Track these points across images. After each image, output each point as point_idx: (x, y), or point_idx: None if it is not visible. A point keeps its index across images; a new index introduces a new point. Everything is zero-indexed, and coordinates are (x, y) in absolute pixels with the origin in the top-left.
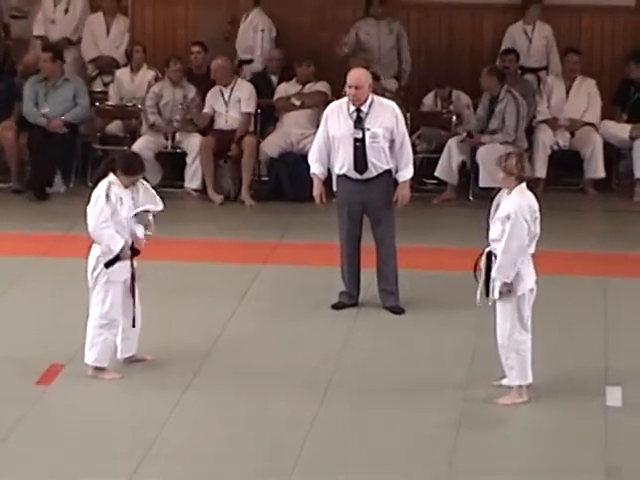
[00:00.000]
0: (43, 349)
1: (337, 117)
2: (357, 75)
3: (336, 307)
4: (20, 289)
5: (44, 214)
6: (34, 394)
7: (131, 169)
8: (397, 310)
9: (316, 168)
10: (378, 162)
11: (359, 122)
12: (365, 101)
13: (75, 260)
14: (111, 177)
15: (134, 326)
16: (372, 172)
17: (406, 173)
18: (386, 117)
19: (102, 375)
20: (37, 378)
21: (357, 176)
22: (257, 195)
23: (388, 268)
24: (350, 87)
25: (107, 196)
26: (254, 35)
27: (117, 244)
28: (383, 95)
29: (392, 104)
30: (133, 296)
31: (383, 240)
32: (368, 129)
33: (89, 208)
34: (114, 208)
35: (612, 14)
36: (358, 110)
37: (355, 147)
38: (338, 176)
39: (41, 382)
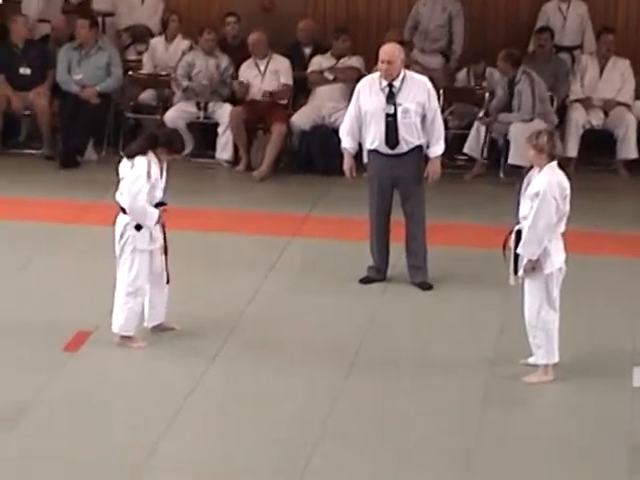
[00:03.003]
0: (70, 316)
1: (369, 92)
2: (389, 50)
3: (364, 281)
4: (48, 255)
5: (75, 181)
6: (61, 361)
7: (174, 148)
8: (425, 286)
9: (347, 142)
10: (409, 137)
11: (391, 97)
12: (397, 76)
13: (104, 228)
14: (150, 155)
15: (168, 282)
16: (403, 147)
17: (437, 149)
18: (418, 92)
19: (129, 343)
20: (64, 345)
21: (388, 151)
22: (288, 167)
23: (417, 243)
24: (382, 62)
25: (148, 174)
26: None
27: (153, 218)
28: (412, 67)
29: (424, 79)
30: (166, 254)
31: (412, 215)
32: (400, 104)
33: (128, 185)
34: (152, 185)
35: None
36: (390, 85)
37: (387, 122)
38: (369, 151)
39: (68, 349)
